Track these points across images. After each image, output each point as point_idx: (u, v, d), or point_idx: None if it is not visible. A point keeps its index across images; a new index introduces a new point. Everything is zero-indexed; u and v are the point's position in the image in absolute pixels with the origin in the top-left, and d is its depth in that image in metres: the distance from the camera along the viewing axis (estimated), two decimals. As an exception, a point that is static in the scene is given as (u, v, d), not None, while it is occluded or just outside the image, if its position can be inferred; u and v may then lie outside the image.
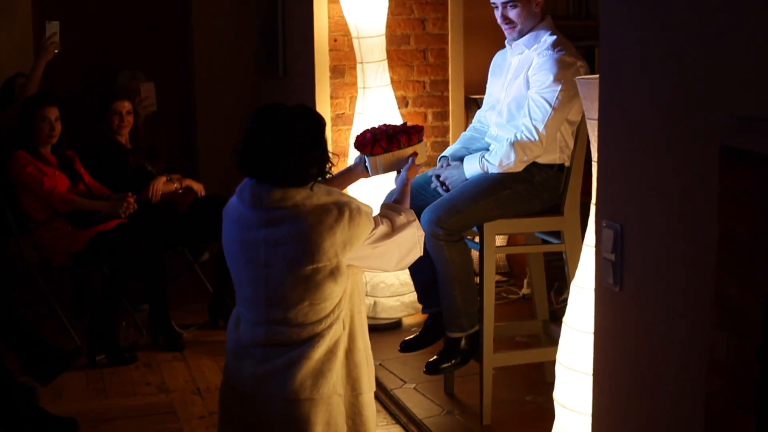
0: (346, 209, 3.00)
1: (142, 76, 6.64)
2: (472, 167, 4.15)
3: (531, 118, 4.04)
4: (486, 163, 4.10)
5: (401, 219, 3.24)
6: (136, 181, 5.45)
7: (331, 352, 3.07)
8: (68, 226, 5.02)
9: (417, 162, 3.53)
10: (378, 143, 3.56)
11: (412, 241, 3.26)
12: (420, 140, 3.60)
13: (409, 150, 3.55)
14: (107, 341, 4.94)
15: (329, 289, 3.00)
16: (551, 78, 4.03)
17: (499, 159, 4.07)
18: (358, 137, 3.56)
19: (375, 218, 3.16)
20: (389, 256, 3.20)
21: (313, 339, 3.04)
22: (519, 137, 4.03)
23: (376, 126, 3.61)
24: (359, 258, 3.10)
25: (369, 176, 3.60)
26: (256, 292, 3.05)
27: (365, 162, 3.53)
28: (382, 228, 3.16)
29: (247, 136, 3.05)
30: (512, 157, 4.05)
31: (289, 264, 2.96)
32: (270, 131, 3.00)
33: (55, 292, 5.20)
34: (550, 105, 4.02)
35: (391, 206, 3.33)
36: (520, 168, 4.10)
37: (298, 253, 2.95)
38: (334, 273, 2.99)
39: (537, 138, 4.02)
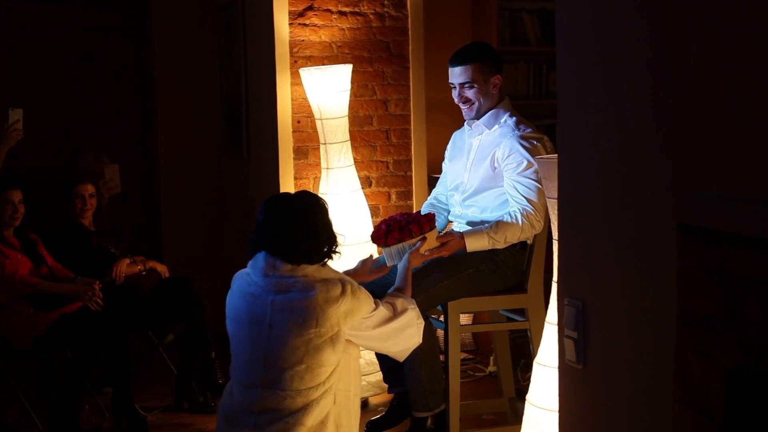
0: (348, 285, 3.34)
1: (106, 158, 6.64)
2: (476, 242, 4.12)
3: (527, 199, 4.08)
4: (493, 239, 4.10)
5: (402, 304, 3.57)
6: (99, 263, 5.41)
7: (322, 423, 3.25)
8: (30, 309, 4.97)
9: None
10: (391, 234, 3.97)
11: (412, 325, 3.57)
12: (431, 228, 3.89)
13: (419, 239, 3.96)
14: (70, 425, 4.86)
15: (327, 355, 3.25)
16: (526, 159, 4.09)
17: (506, 235, 4.08)
18: (374, 230, 4.05)
19: (376, 301, 3.47)
20: (392, 339, 3.53)
21: (307, 406, 3.21)
22: (525, 215, 4.06)
23: (394, 216, 4.06)
24: (363, 338, 3.41)
25: (369, 277, 3.98)
26: (255, 352, 3.27)
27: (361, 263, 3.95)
28: (383, 311, 3.48)
29: (264, 223, 3.36)
30: (521, 234, 4.09)
31: (294, 326, 3.22)
32: (287, 218, 3.34)
33: (16, 375, 5.13)
34: (536, 181, 4.07)
35: (394, 294, 3.67)
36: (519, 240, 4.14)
37: (303, 316, 3.22)
38: (333, 340, 3.26)
39: (536, 214, 4.08)
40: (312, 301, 3.24)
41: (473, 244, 4.13)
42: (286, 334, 3.22)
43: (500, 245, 4.12)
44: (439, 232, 4.28)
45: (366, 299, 3.39)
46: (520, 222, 4.08)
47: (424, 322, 3.63)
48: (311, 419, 3.22)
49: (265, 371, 3.25)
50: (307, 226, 3.36)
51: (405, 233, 4.02)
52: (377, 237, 4.11)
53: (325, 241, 3.40)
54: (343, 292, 3.30)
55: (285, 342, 3.23)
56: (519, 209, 4.09)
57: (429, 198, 4.66)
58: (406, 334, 3.58)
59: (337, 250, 3.45)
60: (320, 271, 3.36)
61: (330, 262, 3.44)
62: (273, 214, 3.38)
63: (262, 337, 3.27)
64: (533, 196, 4.08)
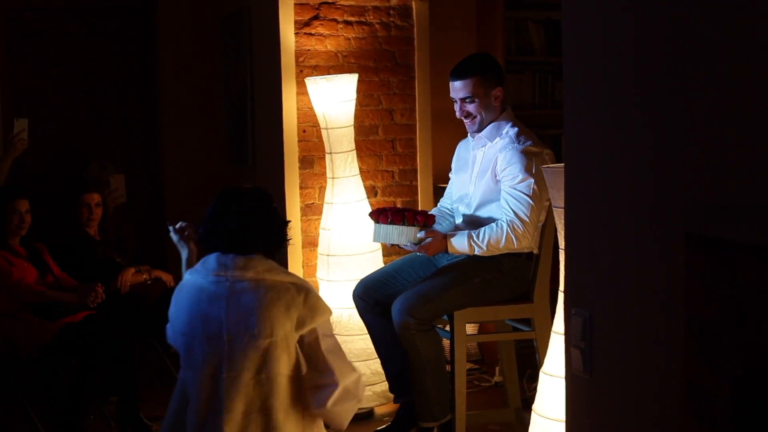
0: (303, 291, 3.22)
1: (111, 167, 6.65)
2: (459, 245, 4.13)
3: (515, 213, 4.07)
4: (475, 244, 4.10)
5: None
6: (104, 273, 5.42)
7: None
8: (35, 318, 4.97)
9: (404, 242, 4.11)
10: (384, 214, 4.14)
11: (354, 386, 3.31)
12: (425, 224, 3.92)
13: (410, 228, 4.10)
14: (75, 435, 4.87)
15: (283, 363, 3.16)
16: (523, 172, 4.08)
17: (488, 242, 4.08)
18: (375, 209, 4.24)
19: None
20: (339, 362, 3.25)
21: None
22: (511, 226, 4.06)
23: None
24: (312, 353, 3.20)
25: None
26: (215, 367, 3.16)
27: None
28: (334, 342, 3.29)
29: (214, 214, 3.34)
30: (503, 243, 4.08)
31: (249, 337, 3.13)
32: (238, 206, 3.33)
33: (21, 384, 5.12)
34: (529, 197, 4.06)
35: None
36: (500, 253, 4.12)
37: (259, 322, 3.13)
38: (288, 345, 3.16)
39: (525, 230, 4.06)
40: (267, 304, 3.15)
41: (454, 245, 4.14)
42: (243, 346, 3.13)
43: (482, 252, 4.11)
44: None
45: (323, 307, 3.25)
46: (504, 231, 4.07)
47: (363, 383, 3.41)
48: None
49: (228, 381, 3.14)
50: (257, 211, 3.33)
51: (397, 217, 4.17)
52: (374, 212, 4.27)
53: (277, 226, 3.39)
54: (296, 296, 3.19)
55: (243, 352, 3.13)
56: (506, 220, 4.09)
57: (435, 208, 4.66)
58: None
59: (288, 236, 3.45)
60: (272, 271, 3.24)
61: (283, 268, 3.32)
62: (223, 204, 3.37)
63: (222, 352, 3.16)
64: (522, 210, 4.07)
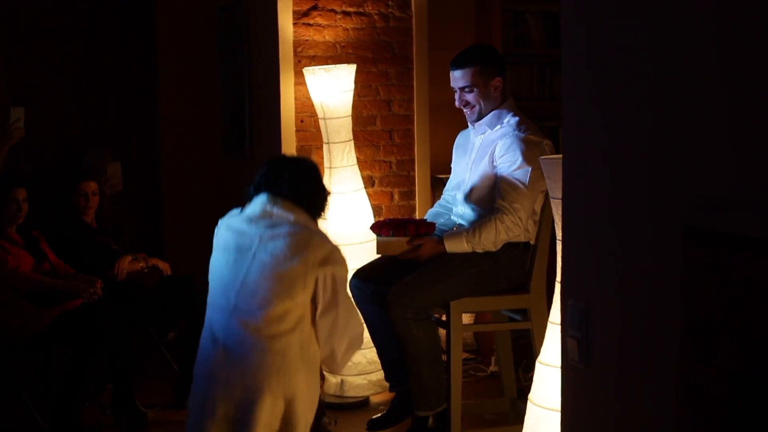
0: (332, 244, 3.55)
1: (108, 155, 6.65)
2: (455, 245, 4.16)
3: (508, 200, 4.08)
4: (471, 242, 4.12)
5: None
6: (101, 260, 5.42)
7: (284, 356, 3.39)
8: (32, 306, 4.98)
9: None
10: (386, 226, 4.25)
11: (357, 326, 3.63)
12: (427, 233, 3.98)
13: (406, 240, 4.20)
14: (70, 422, 4.87)
15: (297, 291, 3.40)
16: (521, 158, 4.09)
17: (483, 237, 4.10)
18: (375, 222, 4.35)
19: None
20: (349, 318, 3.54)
21: (275, 337, 3.39)
22: (501, 217, 4.07)
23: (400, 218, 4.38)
24: (330, 296, 3.47)
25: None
26: (235, 277, 3.46)
27: None
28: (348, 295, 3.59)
29: (267, 181, 3.59)
30: (496, 236, 4.09)
31: (274, 258, 3.40)
32: (291, 174, 3.59)
33: (17, 372, 5.13)
34: (523, 185, 4.07)
35: None
36: (498, 247, 4.13)
37: (285, 249, 3.40)
38: (305, 281, 3.40)
39: (517, 218, 4.07)
40: (295, 237, 3.43)
41: (452, 247, 4.16)
42: (265, 264, 3.41)
43: (479, 248, 4.13)
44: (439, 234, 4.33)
45: (344, 263, 3.56)
46: (495, 225, 4.08)
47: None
48: (276, 348, 3.39)
49: (239, 297, 3.44)
50: (309, 180, 3.64)
51: (399, 230, 4.25)
52: (375, 225, 4.35)
53: (324, 195, 3.68)
54: (326, 241, 3.53)
55: (263, 271, 3.41)
56: (496, 213, 4.10)
57: (441, 197, 4.67)
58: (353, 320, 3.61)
59: (327, 210, 3.73)
60: (311, 223, 3.58)
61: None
62: (277, 171, 3.61)
63: (245, 265, 3.45)
64: (516, 198, 4.08)
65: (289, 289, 3.40)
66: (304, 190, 3.59)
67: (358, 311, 3.65)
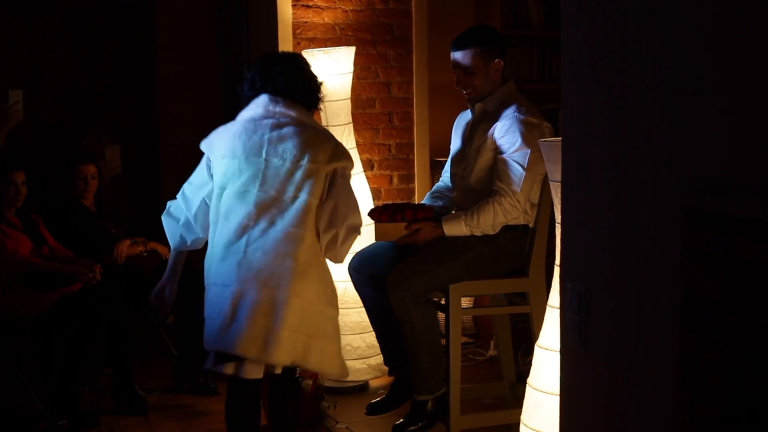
0: (334, 139, 3.84)
1: (107, 139, 6.63)
2: (454, 229, 4.15)
3: (506, 182, 4.07)
4: (469, 226, 4.11)
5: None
6: (100, 244, 5.42)
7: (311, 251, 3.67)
8: (31, 289, 4.97)
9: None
10: (384, 212, 4.27)
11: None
12: (425, 218, 4.00)
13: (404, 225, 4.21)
14: (70, 406, 4.87)
15: (316, 186, 3.65)
16: (520, 140, 4.07)
17: (481, 220, 4.09)
18: (374, 207, 4.38)
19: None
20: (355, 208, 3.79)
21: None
22: (499, 200, 4.06)
23: (398, 202, 4.36)
24: (340, 188, 3.72)
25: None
26: (252, 182, 3.65)
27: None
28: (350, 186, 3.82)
29: (261, 74, 3.80)
30: (495, 219, 4.08)
31: (284, 160, 3.63)
32: (283, 67, 3.80)
33: (16, 355, 5.14)
34: (523, 167, 4.06)
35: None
36: (497, 230, 4.12)
37: (296, 148, 3.64)
38: (318, 173, 3.64)
39: (516, 200, 4.06)
40: (303, 135, 3.67)
41: (451, 230, 4.15)
42: (279, 164, 3.64)
43: (477, 231, 4.12)
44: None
45: (349, 157, 3.81)
46: (493, 208, 4.07)
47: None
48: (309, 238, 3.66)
49: (258, 195, 3.64)
50: (300, 72, 3.85)
51: (397, 215, 4.26)
52: (373, 212, 4.36)
53: (316, 84, 3.89)
54: (330, 138, 3.82)
55: (277, 172, 3.64)
56: (494, 195, 4.09)
57: (440, 179, 4.65)
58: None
59: (319, 105, 3.95)
60: (312, 120, 3.82)
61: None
62: (269, 66, 3.83)
63: (260, 169, 3.65)
64: (514, 180, 4.07)
65: (304, 187, 3.62)
66: (297, 81, 3.79)
67: (359, 204, 3.86)
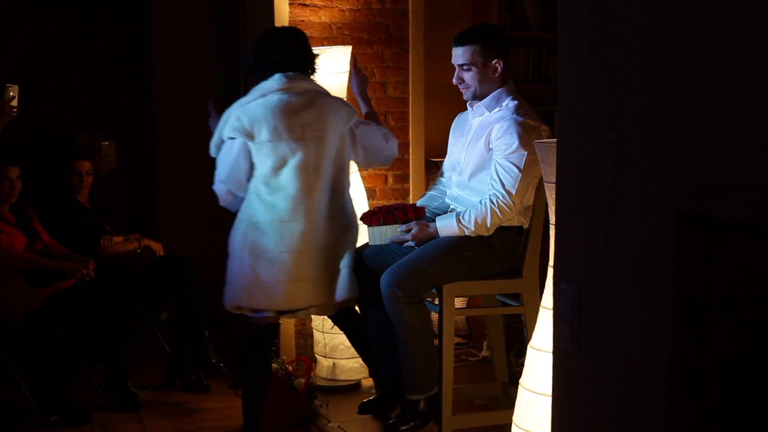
0: (337, 96, 4.54)
1: (101, 134, 6.62)
2: (447, 229, 4.16)
3: (502, 183, 4.07)
4: (463, 226, 4.11)
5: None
6: (94, 240, 5.41)
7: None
8: (24, 284, 4.97)
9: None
10: (376, 216, 4.33)
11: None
12: (417, 218, 4.00)
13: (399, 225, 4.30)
14: (62, 401, 4.86)
15: (345, 146, 4.38)
16: (517, 142, 4.07)
17: (475, 221, 4.09)
18: (366, 211, 4.52)
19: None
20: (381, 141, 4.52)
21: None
22: (494, 201, 4.06)
23: (390, 204, 4.47)
24: (364, 133, 4.47)
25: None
26: (305, 158, 4.25)
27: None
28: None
29: (261, 46, 4.35)
30: (489, 220, 4.08)
31: (320, 127, 4.27)
32: (280, 39, 4.35)
33: (9, 350, 5.13)
34: (519, 169, 4.06)
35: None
36: (491, 231, 4.13)
37: (325, 118, 4.29)
38: (344, 134, 4.38)
39: (511, 202, 4.06)
40: (327, 105, 4.32)
41: (444, 230, 4.16)
42: (322, 137, 4.28)
43: (471, 231, 4.12)
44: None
45: (353, 107, 4.51)
46: (488, 208, 4.07)
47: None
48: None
49: (322, 173, 4.32)
50: (297, 43, 4.36)
51: (388, 217, 4.30)
52: (365, 216, 4.39)
53: (312, 56, 4.43)
54: (338, 98, 4.48)
55: (318, 142, 4.27)
56: (489, 196, 4.09)
57: (436, 180, 4.66)
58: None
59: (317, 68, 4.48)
60: (317, 83, 4.41)
61: None
62: (268, 38, 4.36)
63: (301, 147, 4.24)
64: (510, 182, 4.07)
65: (341, 151, 4.36)
66: (294, 52, 4.32)
67: (384, 134, 4.54)
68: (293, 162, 4.23)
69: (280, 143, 4.21)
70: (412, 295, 4.08)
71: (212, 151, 4.42)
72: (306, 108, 4.25)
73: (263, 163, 4.26)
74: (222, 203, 4.48)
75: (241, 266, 4.32)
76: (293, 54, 4.30)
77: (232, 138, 4.25)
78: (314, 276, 4.32)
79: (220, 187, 4.42)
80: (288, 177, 4.25)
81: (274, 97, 4.23)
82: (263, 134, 4.21)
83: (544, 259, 3.57)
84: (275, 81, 4.26)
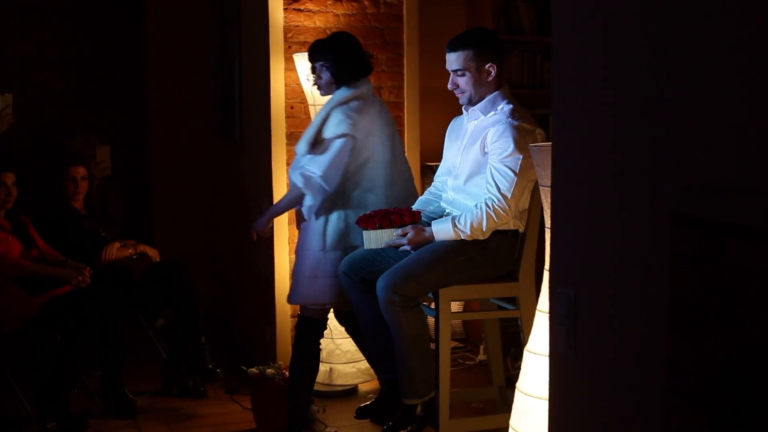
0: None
1: (95, 140, 6.62)
2: (443, 233, 4.16)
3: (497, 187, 4.07)
4: (459, 230, 4.11)
5: None
6: (89, 246, 5.41)
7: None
8: (20, 291, 4.96)
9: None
10: (371, 219, 4.29)
11: None
12: (413, 222, 3.96)
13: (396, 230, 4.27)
14: (59, 408, 4.86)
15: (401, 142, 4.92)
16: (512, 146, 4.07)
17: (471, 225, 4.09)
18: (362, 215, 4.39)
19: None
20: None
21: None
22: (490, 204, 4.06)
23: (386, 209, 4.39)
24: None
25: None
26: (388, 153, 4.65)
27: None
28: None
29: (342, 53, 4.63)
30: (485, 224, 4.08)
31: (390, 125, 4.74)
32: (352, 44, 4.73)
33: (5, 357, 5.12)
34: (514, 172, 4.05)
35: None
36: (487, 235, 4.12)
37: (390, 118, 4.77)
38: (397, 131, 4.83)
39: (506, 205, 4.06)
40: (388, 110, 4.81)
41: (440, 234, 4.16)
42: (391, 132, 4.71)
43: (468, 236, 4.11)
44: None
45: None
46: (483, 212, 4.07)
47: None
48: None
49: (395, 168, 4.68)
50: (359, 49, 4.72)
51: (384, 221, 4.26)
52: (361, 220, 4.34)
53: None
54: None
55: (394, 139, 4.70)
56: (485, 200, 4.09)
57: (432, 184, 4.66)
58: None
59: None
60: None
61: None
62: (345, 43, 4.68)
63: (389, 139, 4.66)
64: (505, 186, 4.07)
65: (401, 146, 4.81)
66: (364, 56, 4.71)
67: None
68: (383, 155, 4.62)
69: (377, 137, 4.59)
70: (408, 299, 4.08)
71: (302, 149, 4.62)
72: (382, 106, 4.73)
73: (360, 156, 4.57)
74: (313, 201, 4.55)
75: (333, 263, 4.53)
76: (364, 60, 4.71)
77: (343, 136, 4.45)
78: None
79: (321, 183, 4.48)
80: (374, 173, 4.61)
81: (366, 96, 4.62)
82: (365, 129, 4.55)
83: (540, 263, 3.57)
84: (363, 82, 4.64)
